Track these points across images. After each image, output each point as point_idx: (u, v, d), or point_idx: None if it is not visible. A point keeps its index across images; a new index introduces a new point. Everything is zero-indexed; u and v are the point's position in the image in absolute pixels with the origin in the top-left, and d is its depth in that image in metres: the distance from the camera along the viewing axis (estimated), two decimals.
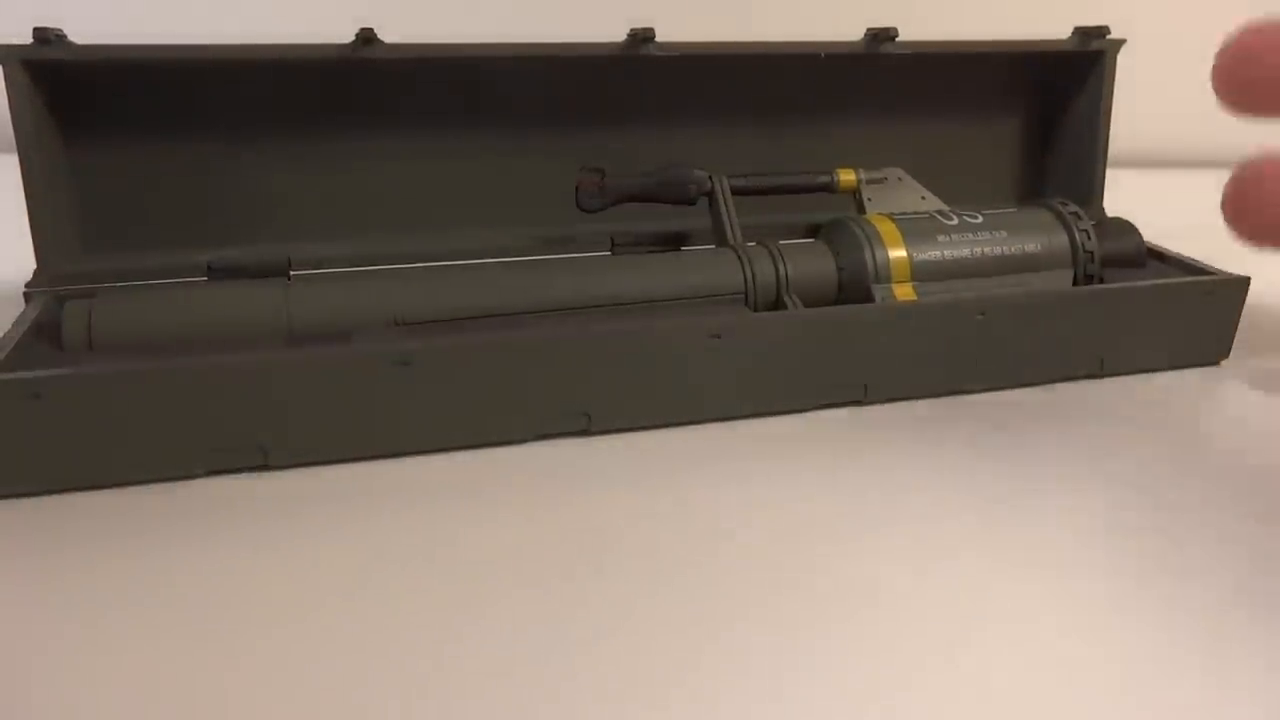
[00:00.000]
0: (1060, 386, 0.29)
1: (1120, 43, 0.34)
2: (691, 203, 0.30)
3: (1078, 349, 0.29)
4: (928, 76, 0.34)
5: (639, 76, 0.32)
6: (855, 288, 0.28)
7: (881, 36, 0.31)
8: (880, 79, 0.34)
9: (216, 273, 0.28)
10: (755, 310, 0.28)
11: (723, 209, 0.30)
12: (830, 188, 0.31)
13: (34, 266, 0.27)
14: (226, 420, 0.23)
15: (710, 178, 0.30)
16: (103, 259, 0.28)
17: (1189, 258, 0.31)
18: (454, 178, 0.31)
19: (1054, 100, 0.36)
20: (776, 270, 0.28)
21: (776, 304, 0.28)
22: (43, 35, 0.25)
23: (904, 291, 0.28)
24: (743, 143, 0.33)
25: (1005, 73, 0.36)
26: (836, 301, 0.29)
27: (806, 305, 0.28)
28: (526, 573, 0.20)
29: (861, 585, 0.20)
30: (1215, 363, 0.31)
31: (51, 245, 0.27)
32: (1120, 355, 0.29)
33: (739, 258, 0.28)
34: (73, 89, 0.27)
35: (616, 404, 0.25)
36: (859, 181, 0.31)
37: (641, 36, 0.29)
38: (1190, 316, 0.29)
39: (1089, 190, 0.35)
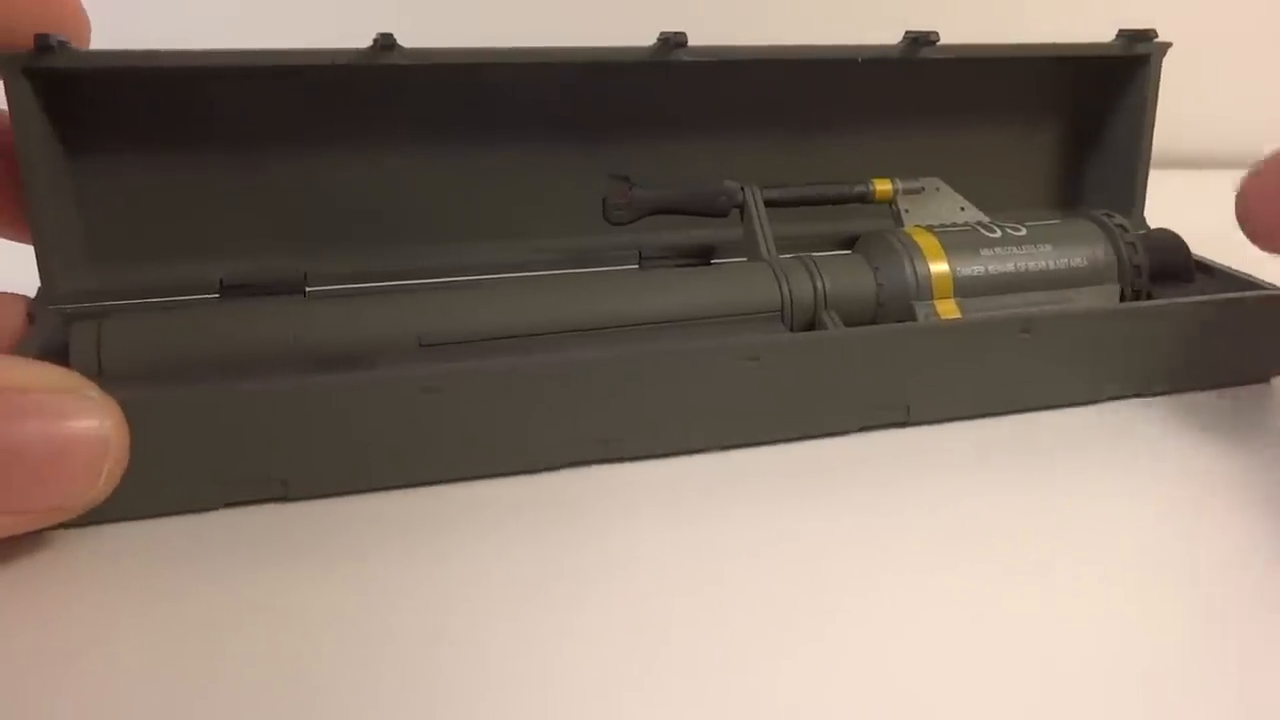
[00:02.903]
0: (1108, 406, 0.28)
1: (1166, 46, 0.33)
2: (723, 215, 0.29)
3: (1126, 368, 0.28)
4: (965, 81, 0.33)
5: (668, 83, 0.30)
6: (896, 304, 0.27)
7: (921, 40, 0.30)
8: (917, 84, 0.33)
9: (229, 288, 0.27)
10: (792, 328, 0.27)
11: (755, 222, 0.29)
12: (866, 198, 0.30)
13: (37, 285, 0.26)
14: (244, 450, 0.21)
15: (742, 189, 0.29)
16: (110, 275, 0.27)
17: (1236, 270, 0.30)
18: (476, 188, 0.30)
19: (1095, 105, 0.35)
20: (814, 287, 0.27)
21: (814, 322, 0.27)
22: (44, 42, 0.24)
23: (947, 308, 0.27)
24: (773, 151, 0.32)
25: (1045, 77, 0.34)
26: (875, 318, 0.27)
27: (845, 323, 0.26)
28: (560, 604, 0.19)
29: (905, 624, 0.19)
30: (1266, 380, 0.29)
31: (57, 262, 0.25)
32: (1170, 374, 0.28)
33: (774, 274, 0.27)
34: (76, 98, 0.26)
35: (650, 429, 0.24)
36: (895, 191, 0.30)
37: (674, 41, 0.28)
38: (1243, 333, 0.28)
39: (1130, 199, 0.34)
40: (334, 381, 0.22)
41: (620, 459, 0.24)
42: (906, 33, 0.30)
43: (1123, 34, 0.33)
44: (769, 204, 0.29)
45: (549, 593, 0.20)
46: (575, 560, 0.21)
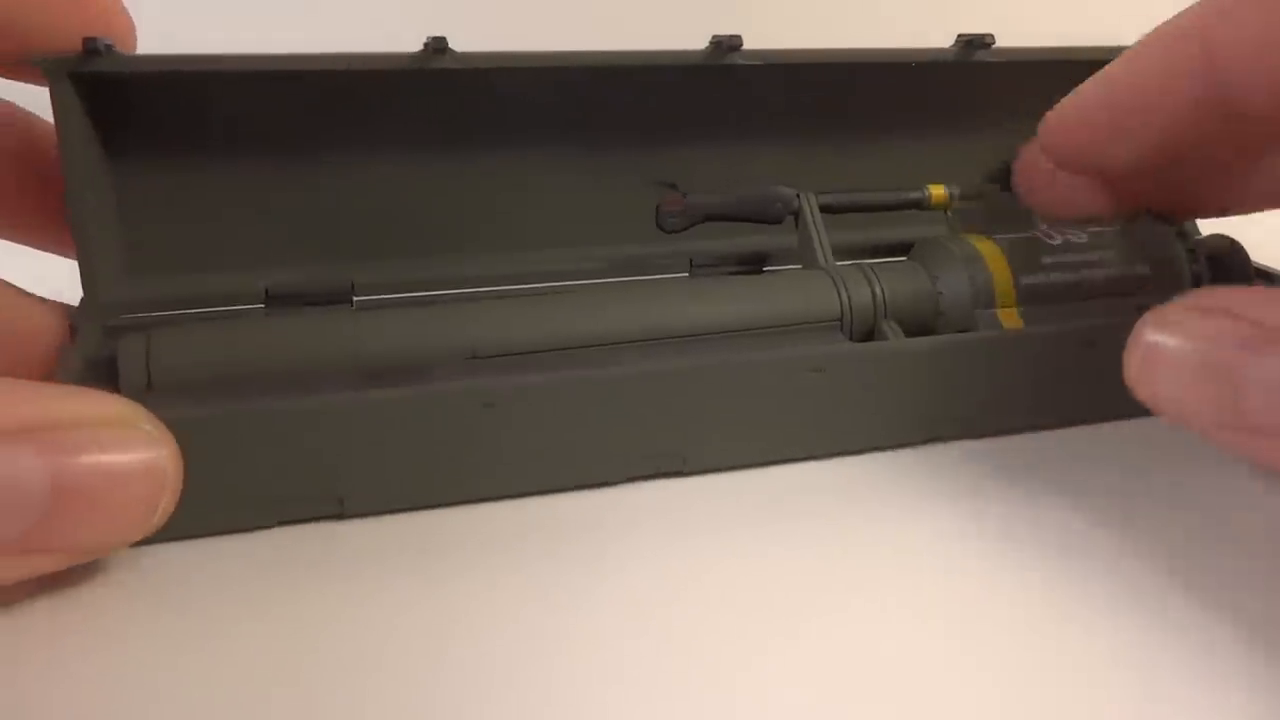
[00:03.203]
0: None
1: None
2: (778, 221, 0.28)
3: None
4: (1016, 85, 0.32)
5: (718, 87, 0.30)
6: (956, 313, 0.26)
7: (976, 43, 0.29)
8: (969, 88, 0.32)
9: (275, 298, 0.26)
10: (851, 338, 0.26)
11: (811, 228, 0.28)
12: (922, 204, 0.30)
13: (79, 295, 0.25)
14: (300, 467, 0.21)
15: (798, 195, 0.28)
16: (154, 285, 0.26)
17: None
18: (525, 195, 0.29)
19: None
20: (873, 295, 0.26)
21: (873, 332, 0.26)
22: (92, 45, 0.23)
23: (1009, 317, 0.26)
24: (823, 156, 0.31)
25: None
26: (935, 328, 0.27)
27: (904, 333, 0.26)
28: (620, 628, 0.18)
29: (974, 648, 0.18)
30: None
31: (100, 271, 0.25)
32: None
33: (833, 282, 0.26)
34: (121, 104, 0.25)
35: (712, 443, 0.23)
36: (951, 197, 0.30)
37: (727, 45, 0.27)
38: None
39: None
40: (391, 396, 0.21)
41: (680, 474, 0.24)
42: (959, 36, 0.30)
43: None
44: (823, 210, 0.28)
45: (608, 613, 0.19)
46: (632, 578, 0.20)
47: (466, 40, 0.26)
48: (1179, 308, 0.19)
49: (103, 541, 0.19)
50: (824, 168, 0.31)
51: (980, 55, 0.29)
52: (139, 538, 0.19)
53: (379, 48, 0.26)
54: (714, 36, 0.27)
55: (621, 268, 0.29)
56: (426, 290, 0.27)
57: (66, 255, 0.25)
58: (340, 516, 0.22)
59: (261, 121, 0.27)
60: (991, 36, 0.29)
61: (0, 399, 0.17)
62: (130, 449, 0.18)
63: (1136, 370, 0.20)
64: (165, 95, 0.26)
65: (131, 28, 0.25)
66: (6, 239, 0.26)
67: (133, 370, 0.22)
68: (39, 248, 0.26)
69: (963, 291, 0.26)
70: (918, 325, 0.27)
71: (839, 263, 0.27)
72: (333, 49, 0.25)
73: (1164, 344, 0.19)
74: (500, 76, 0.27)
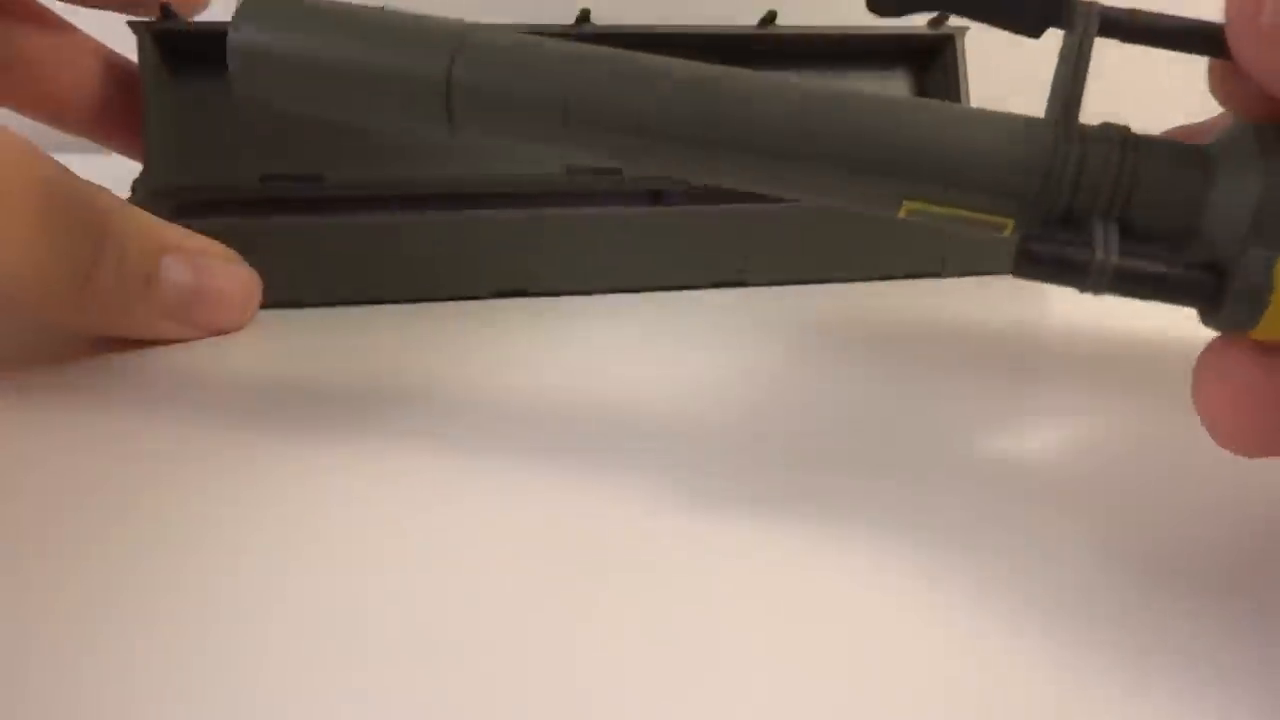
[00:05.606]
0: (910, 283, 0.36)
1: None
2: (1034, 33, 0.18)
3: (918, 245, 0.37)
4: None
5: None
6: (1217, 236, 0.18)
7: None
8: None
9: (267, 179, 0.35)
10: (1046, 217, 0.18)
11: (1075, 51, 0.18)
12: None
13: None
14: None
15: None
16: (188, 172, 0.36)
17: None
18: None
19: None
20: (1111, 173, 0.18)
21: (1076, 221, 0.18)
22: (167, 11, 0.35)
23: None
24: None
25: None
26: (1184, 245, 0.18)
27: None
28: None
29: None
30: None
31: (156, 162, 0.35)
32: (956, 254, 0.37)
33: (1044, 139, 0.18)
34: (179, 52, 0.36)
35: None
36: None
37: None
38: None
39: None
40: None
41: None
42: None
43: None
44: (1107, 28, 0.18)
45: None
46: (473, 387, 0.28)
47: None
48: None
49: (220, 326, 0.30)
50: None
51: None
52: (240, 327, 0.31)
53: None
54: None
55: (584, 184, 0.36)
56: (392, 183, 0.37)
57: (133, 157, 0.37)
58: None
59: None
60: None
61: (158, 228, 0.29)
62: (236, 268, 0.31)
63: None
64: (209, 45, 0.32)
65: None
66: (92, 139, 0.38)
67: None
68: (112, 148, 0.38)
69: (1242, 211, 0.17)
70: (1164, 232, 0.18)
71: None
72: None
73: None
74: None
